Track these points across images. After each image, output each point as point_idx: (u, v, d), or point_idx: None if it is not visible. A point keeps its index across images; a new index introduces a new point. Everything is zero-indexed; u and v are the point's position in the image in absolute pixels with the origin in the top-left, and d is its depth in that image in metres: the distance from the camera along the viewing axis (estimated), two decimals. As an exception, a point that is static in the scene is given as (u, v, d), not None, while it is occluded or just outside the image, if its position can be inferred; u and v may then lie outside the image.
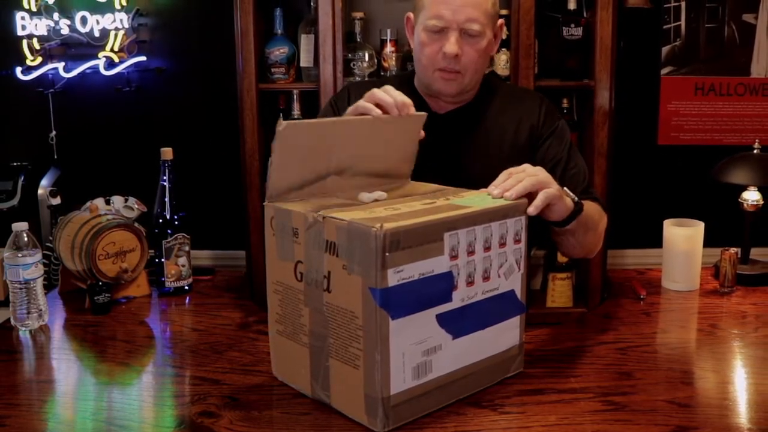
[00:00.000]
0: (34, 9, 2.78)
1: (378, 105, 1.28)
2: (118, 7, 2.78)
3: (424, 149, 1.37)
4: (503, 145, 1.60)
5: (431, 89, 1.58)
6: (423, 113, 1.34)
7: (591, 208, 1.47)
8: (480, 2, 1.50)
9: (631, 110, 2.84)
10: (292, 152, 1.16)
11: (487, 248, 1.14)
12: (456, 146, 1.57)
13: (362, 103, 1.29)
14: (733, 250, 1.69)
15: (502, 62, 2.59)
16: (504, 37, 2.61)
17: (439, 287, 1.08)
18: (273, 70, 2.61)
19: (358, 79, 2.58)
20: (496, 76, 2.48)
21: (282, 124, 1.11)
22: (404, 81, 1.70)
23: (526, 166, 1.28)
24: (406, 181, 1.36)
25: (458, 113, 1.61)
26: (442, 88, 1.56)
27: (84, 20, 2.79)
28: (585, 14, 2.59)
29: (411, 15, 1.61)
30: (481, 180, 1.30)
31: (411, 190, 1.29)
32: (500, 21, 1.59)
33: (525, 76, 2.47)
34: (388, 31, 2.55)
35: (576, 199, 1.37)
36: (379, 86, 1.39)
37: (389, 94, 1.29)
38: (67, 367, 1.38)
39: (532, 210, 1.23)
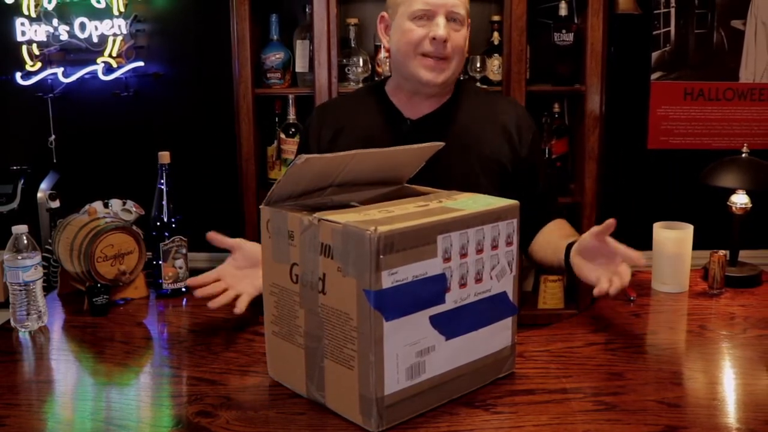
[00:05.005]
0: (33, 15, 2.80)
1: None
2: (116, 13, 2.80)
3: None
4: (481, 146, 1.61)
5: (417, 81, 1.57)
6: (440, 143, 1.34)
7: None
8: None
9: (622, 115, 2.86)
10: (303, 175, 1.17)
11: (480, 250, 1.15)
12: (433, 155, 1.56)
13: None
14: (721, 252, 1.70)
15: (494, 67, 2.61)
16: (496, 42, 2.65)
17: (433, 289, 1.10)
18: (269, 75, 2.64)
19: (352, 84, 2.61)
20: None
21: (302, 158, 1.11)
22: (372, 91, 1.71)
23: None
24: (401, 185, 1.38)
25: (432, 117, 1.62)
26: (430, 78, 1.55)
27: (83, 26, 2.81)
28: (576, 20, 2.62)
29: (385, 14, 1.63)
30: (459, 179, 1.33)
31: (404, 193, 1.30)
32: (468, 20, 1.63)
33: (517, 81, 2.49)
34: (383, 36, 2.58)
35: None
36: (349, 102, 1.55)
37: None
38: (66, 367, 1.39)
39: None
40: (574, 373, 1.28)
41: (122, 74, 2.84)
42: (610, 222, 1.39)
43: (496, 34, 2.65)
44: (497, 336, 1.23)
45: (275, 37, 2.65)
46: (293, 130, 2.65)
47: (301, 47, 2.66)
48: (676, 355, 1.41)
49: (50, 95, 2.87)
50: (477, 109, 1.65)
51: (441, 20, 1.52)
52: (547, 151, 2.67)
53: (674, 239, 1.68)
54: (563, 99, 2.74)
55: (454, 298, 1.13)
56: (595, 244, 1.42)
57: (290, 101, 2.63)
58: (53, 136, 2.92)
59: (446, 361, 1.14)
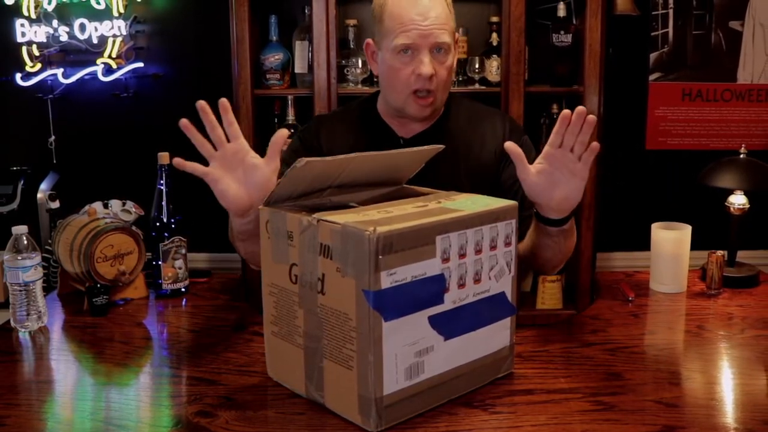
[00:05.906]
0: (33, 16, 2.80)
1: None
2: (116, 14, 2.80)
3: None
4: (470, 163, 1.61)
5: (404, 113, 1.58)
6: (440, 146, 1.35)
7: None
8: (445, 21, 1.51)
9: (620, 115, 2.87)
10: (303, 177, 1.18)
11: (478, 251, 1.16)
12: (424, 168, 1.49)
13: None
14: (719, 252, 1.71)
15: (493, 69, 2.62)
16: (495, 43, 2.66)
17: (431, 289, 1.10)
18: (268, 76, 2.64)
19: (351, 85, 2.61)
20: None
21: (302, 161, 1.12)
22: (364, 109, 1.69)
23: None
24: (399, 185, 1.38)
25: (424, 136, 1.62)
26: (417, 113, 1.56)
27: (82, 27, 2.81)
28: (574, 21, 2.63)
29: (371, 41, 1.61)
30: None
31: (403, 193, 1.31)
32: (456, 35, 1.60)
33: (515, 82, 2.50)
34: (382, 37, 2.58)
35: None
36: (344, 119, 1.55)
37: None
38: (65, 367, 1.39)
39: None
40: (573, 373, 1.29)
41: (122, 75, 2.85)
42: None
43: (494, 35, 2.66)
44: (496, 336, 1.23)
45: (274, 38, 2.66)
46: (292, 130, 2.65)
47: (300, 48, 2.67)
48: (674, 355, 1.42)
49: (50, 96, 2.88)
50: (468, 125, 1.65)
51: (426, 57, 1.49)
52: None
53: (672, 239, 1.69)
54: (562, 100, 2.74)
55: (452, 299, 1.13)
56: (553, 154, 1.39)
57: (289, 102, 2.64)
58: (53, 137, 2.93)
59: (445, 361, 1.15)
